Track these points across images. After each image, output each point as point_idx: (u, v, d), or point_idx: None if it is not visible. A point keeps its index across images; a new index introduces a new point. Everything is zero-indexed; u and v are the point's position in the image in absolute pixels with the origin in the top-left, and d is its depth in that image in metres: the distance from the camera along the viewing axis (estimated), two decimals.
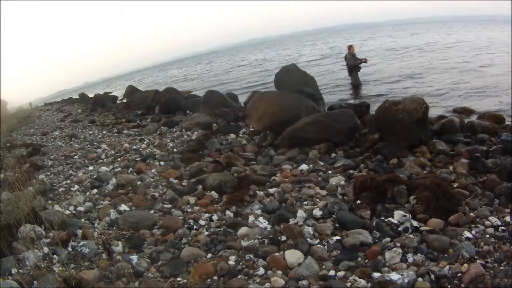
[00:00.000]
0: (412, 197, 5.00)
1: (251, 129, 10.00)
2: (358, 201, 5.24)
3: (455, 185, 5.44)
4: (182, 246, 4.68)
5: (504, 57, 19.75)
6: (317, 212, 5.01)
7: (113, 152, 9.84)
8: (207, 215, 5.47)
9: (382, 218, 4.73)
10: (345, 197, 5.52)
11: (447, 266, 3.67)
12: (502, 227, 4.26)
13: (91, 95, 31.34)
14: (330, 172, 6.62)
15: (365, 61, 16.32)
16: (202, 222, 5.27)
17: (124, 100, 23.17)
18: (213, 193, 6.22)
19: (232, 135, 9.74)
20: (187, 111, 14.21)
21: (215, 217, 5.37)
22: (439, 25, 66.77)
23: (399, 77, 17.96)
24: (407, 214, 4.62)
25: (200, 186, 6.50)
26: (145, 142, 10.52)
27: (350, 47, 16.38)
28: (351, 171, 6.50)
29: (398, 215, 4.61)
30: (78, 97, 37.95)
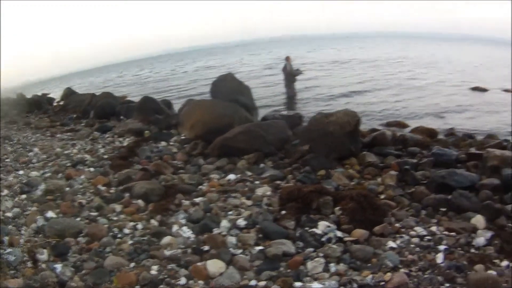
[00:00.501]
0: (337, 208, 5.02)
1: (183, 137, 9.79)
2: (283, 212, 5.19)
3: (382, 197, 5.52)
4: (106, 254, 4.55)
5: (449, 76, 20.69)
6: (241, 222, 4.97)
7: (44, 156, 9.36)
8: (132, 223, 5.31)
9: (306, 228, 4.70)
10: (271, 208, 5.47)
11: (370, 275, 3.74)
12: (428, 237, 4.40)
13: (29, 96, 29.96)
14: (257, 182, 6.56)
15: (301, 72, 16.71)
16: (127, 231, 5.13)
17: (61, 103, 22.26)
18: (140, 201, 6.03)
19: (163, 143, 9.49)
20: (121, 117, 13.80)
21: (139, 226, 5.24)
22: (390, 40, 68.25)
23: (339, 93, 17.87)
24: (332, 225, 4.64)
25: (127, 194, 6.30)
26: (77, 147, 10.06)
27: (288, 58, 16.74)
28: (278, 182, 6.47)
29: (322, 226, 4.63)
30: (15, 97, 36.17)
